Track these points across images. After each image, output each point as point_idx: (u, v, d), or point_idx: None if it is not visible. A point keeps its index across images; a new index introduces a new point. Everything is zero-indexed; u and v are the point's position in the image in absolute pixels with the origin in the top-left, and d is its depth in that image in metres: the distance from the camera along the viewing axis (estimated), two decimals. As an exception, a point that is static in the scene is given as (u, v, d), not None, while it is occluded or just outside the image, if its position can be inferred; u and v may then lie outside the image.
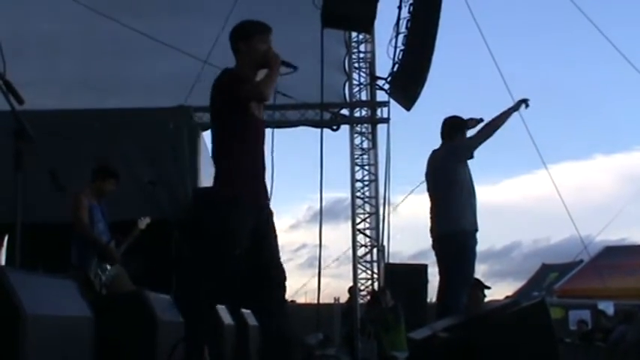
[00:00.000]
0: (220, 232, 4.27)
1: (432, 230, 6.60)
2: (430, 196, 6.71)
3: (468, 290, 6.51)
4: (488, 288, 9.51)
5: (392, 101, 12.28)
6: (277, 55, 4.46)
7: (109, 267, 7.03)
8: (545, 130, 37.46)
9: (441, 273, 6.57)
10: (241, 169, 4.38)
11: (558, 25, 35.71)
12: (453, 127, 6.71)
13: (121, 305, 4.77)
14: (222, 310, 6.29)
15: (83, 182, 7.21)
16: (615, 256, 24.42)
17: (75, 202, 6.99)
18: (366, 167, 14.29)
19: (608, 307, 17.54)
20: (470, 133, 6.73)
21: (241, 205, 4.29)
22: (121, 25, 11.37)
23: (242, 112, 4.42)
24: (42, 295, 2.96)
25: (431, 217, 6.64)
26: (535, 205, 39.02)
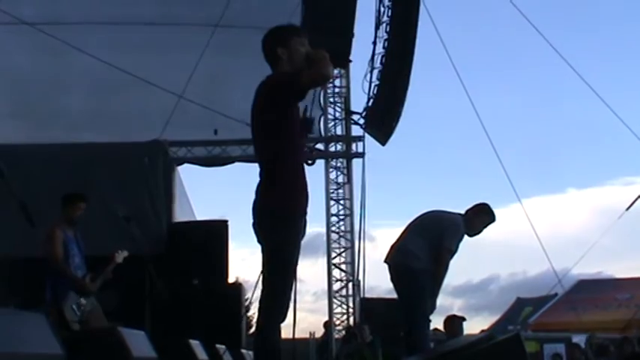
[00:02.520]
0: (290, 247, 4.12)
1: (388, 257, 6.60)
2: (410, 229, 6.71)
3: (428, 323, 6.52)
4: (464, 319, 9.69)
5: (367, 136, 12.37)
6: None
7: (84, 302, 6.93)
8: (519, 165, 37.73)
9: (402, 306, 6.58)
10: (298, 179, 4.25)
11: (530, 59, 36.22)
12: (476, 207, 6.79)
13: (94, 341, 4.71)
14: (196, 345, 6.23)
15: (55, 217, 7.14)
16: (589, 289, 24.55)
17: (49, 236, 6.90)
18: (342, 202, 14.30)
19: (582, 341, 17.57)
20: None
21: (300, 220, 4.19)
22: (95, 59, 11.35)
23: (292, 116, 4.23)
24: (12, 332, 2.91)
25: (392, 245, 6.64)
26: (512, 238, 39.17)
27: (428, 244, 6.49)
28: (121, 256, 7.39)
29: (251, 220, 4.22)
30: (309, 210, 4.31)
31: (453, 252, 6.56)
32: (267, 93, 4.21)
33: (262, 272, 4.14)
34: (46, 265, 6.96)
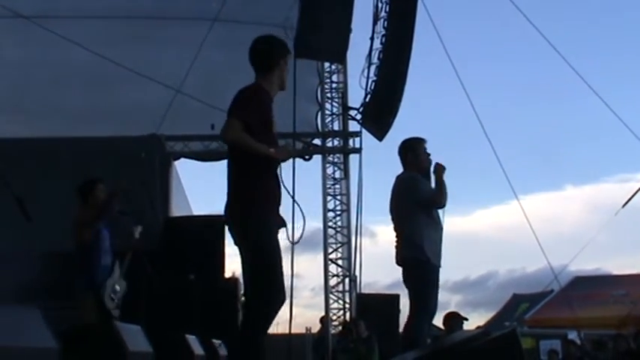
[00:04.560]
0: (271, 253, 4.14)
1: (397, 257, 6.55)
2: (394, 221, 6.64)
3: (429, 319, 6.43)
4: (466, 319, 9.46)
5: (364, 131, 12.34)
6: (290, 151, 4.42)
7: (118, 288, 6.92)
8: (516, 162, 37.80)
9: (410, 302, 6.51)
10: (270, 187, 4.27)
11: (528, 56, 36.23)
12: (402, 151, 6.64)
13: (89, 336, 4.70)
14: (192, 340, 6.22)
15: (51, 212, 7.10)
16: (585, 286, 24.60)
17: (78, 223, 6.84)
18: (338, 197, 14.31)
19: (578, 337, 17.61)
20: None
21: (274, 226, 4.23)
22: (92, 53, 11.33)
23: (261, 123, 4.27)
24: (7, 326, 2.90)
25: (396, 245, 6.58)
26: (510, 235, 39.24)
27: (411, 217, 6.38)
28: (137, 231, 7.34)
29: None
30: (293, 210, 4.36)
31: (431, 195, 6.36)
32: (232, 101, 4.29)
33: (246, 276, 4.16)
34: (77, 256, 6.88)
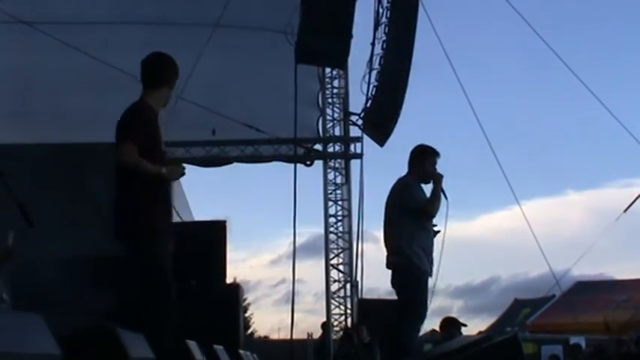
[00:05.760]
0: (153, 265, 4.30)
1: (387, 262, 6.52)
2: (386, 225, 6.62)
3: (420, 324, 6.40)
4: (464, 325, 9.37)
5: (365, 137, 12.33)
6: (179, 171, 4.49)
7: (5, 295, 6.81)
8: (517, 167, 37.75)
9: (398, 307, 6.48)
10: (157, 197, 4.37)
11: (529, 61, 36.22)
12: (411, 155, 6.65)
13: (91, 342, 4.68)
14: (193, 346, 6.20)
15: (51, 216, 7.08)
16: (587, 291, 24.59)
17: None
18: (340, 202, 14.31)
19: (580, 342, 17.59)
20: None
21: (162, 235, 4.34)
22: (93, 59, 11.33)
23: (154, 149, 4.44)
24: (7, 331, 2.89)
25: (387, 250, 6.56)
26: (513, 240, 39.23)
27: (401, 223, 6.36)
28: (10, 236, 7.20)
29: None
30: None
31: (422, 202, 6.35)
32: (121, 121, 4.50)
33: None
34: None
